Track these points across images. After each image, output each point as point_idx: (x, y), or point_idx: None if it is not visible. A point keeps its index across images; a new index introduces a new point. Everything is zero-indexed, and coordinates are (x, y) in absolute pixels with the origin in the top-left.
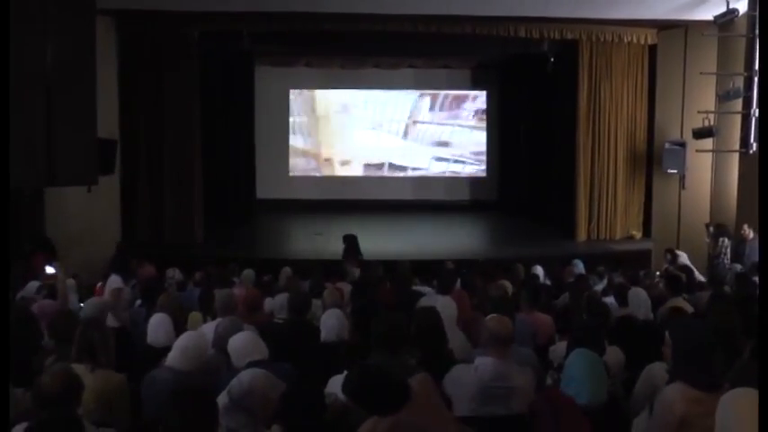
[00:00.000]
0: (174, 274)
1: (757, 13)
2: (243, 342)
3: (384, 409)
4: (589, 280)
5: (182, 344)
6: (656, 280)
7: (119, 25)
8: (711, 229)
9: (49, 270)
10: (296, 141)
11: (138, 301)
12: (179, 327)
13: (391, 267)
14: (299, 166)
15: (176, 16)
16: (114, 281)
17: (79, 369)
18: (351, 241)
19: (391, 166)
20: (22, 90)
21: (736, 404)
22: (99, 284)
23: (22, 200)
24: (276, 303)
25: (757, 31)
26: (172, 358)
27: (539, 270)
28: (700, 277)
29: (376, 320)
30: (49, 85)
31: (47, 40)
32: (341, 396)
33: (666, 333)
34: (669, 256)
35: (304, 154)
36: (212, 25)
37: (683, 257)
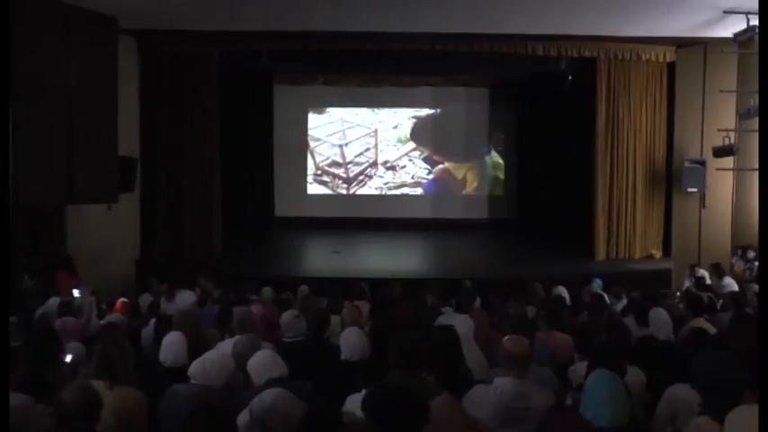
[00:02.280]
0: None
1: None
2: (262, 359)
3: (402, 428)
4: (606, 299)
5: (205, 361)
6: (677, 300)
7: (140, 45)
8: (740, 251)
9: (76, 293)
10: (313, 159)
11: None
12: (195, 345)
13: (410, 286)
14: (316, 183)
15: (197, 36)
16: (189, 296)
17: (98, 385)
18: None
19: (407, 183)
20: (45, 109)
21: (742, 420)
22: (119, 301)
23: (43, 216)
24: (283, 321)
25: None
26: (194, 375)
27: (562, 291)
28: (733, 285)
29: (393, 339)
30: (72, 105)
31: (70, 60)
32: (359, 414)
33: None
34: (688, 272)
35: (322, 172)
36: (232, 44)
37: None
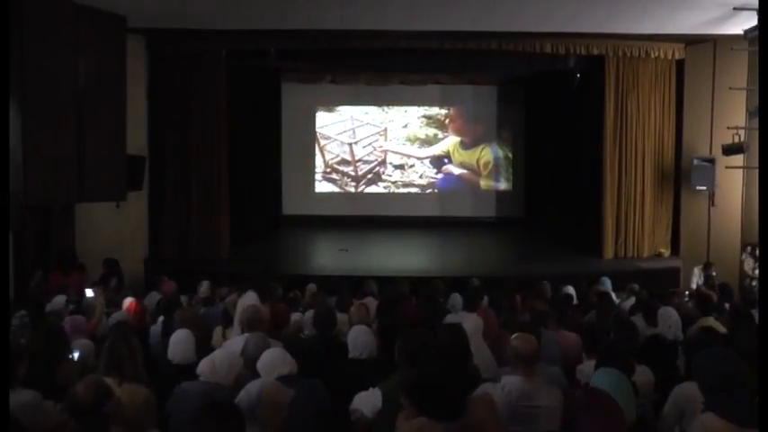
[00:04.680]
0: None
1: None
2: (272, 357)
3: (439, 414)
4: (612, 298)
5: (214, 359)
6: (686, 299)
7: (148, 43)
8: (749, 249)
9: (89, 293)
10: (323, 157)
11: (161, 318)
12: (201, 342)
13: (417, 284)
14: (325, 181)
15: (205, 34)
16: (251, 297)
17: (107, 382)
18: (111, 265)
19: (416, 182)
20: (54, 107)
21: None
22: (130, 300)
23: (52, 214)
24: (306, 319)
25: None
26: (202, 373)
27: (570, 290)
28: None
29: (401, 337)
30: (81, 103)
31: (79, 58)
32: (366, 412)
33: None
34: (701, 269)
35: (331, 169)
36: (240, 43)
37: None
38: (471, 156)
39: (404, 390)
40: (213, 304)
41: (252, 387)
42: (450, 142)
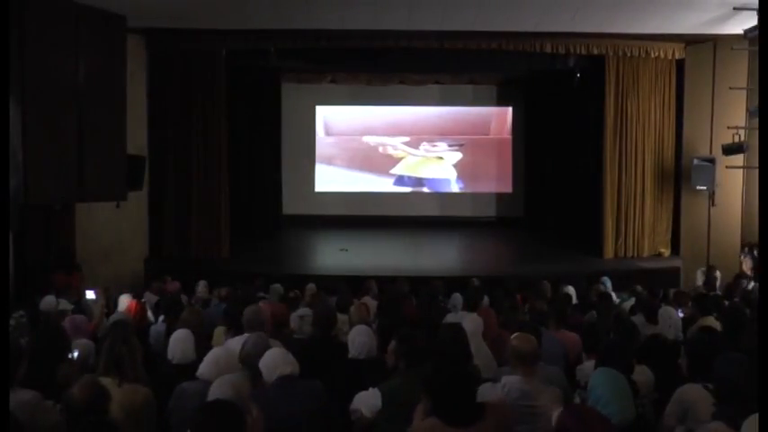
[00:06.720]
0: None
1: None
2: (273, 357)
3: (454, 418)
4: (612, 298)
5: (214, 358)
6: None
7: (148, 43)
8: (746, 249)
9: (90, 294)
10: (322, 157)
11: (162, 317)
12: (202, 342)
13: (417, 283)
14: (325, 181)
15: (204, 34)
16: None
17: (106, 383)
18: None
19: (417, 181)
20: (55, 107)
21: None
22: (130, 300)
23: (52, 214)
24: (295, 319)
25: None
26: (203, 372)
27: (570, 290)
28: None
29: (400, 337)
30: (81, 103)
31: (79, 58)
32: (366, 412)
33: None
34: (704, 270)
35: (330, 170)
36: (240, 43)
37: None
38: (470, 155)
39: (423, 385)
40: (212, 304)
41: (221, 387)
42: (449, 142)
